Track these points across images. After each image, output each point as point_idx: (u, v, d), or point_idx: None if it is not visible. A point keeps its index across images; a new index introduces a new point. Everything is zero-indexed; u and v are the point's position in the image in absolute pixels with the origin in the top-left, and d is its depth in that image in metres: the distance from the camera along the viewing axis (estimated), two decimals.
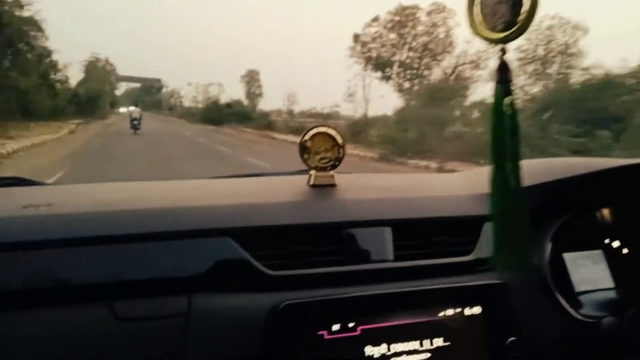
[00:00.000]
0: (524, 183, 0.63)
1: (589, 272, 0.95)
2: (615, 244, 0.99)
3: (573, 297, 0.89)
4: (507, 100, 0.62)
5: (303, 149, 0.90)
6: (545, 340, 0.83)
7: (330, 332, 0.70)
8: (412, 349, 0.73)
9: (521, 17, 0.59)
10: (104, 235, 0.70)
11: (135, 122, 22.33)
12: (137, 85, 79.57)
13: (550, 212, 0.94)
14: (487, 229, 0.84)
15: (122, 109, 52.57)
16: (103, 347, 0.65)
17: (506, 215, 0.66)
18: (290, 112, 36.15)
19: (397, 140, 14.51)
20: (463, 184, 1.07)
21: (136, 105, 26.50)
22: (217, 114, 37.94)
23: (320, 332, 0.70)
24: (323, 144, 0.91)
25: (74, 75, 38.41)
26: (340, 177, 0.94)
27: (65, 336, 0.64)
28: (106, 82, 50.87)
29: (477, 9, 0.63)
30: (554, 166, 1.11)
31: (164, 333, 0.67)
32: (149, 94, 76.71)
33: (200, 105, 51.57)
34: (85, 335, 0.65)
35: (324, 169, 0.92)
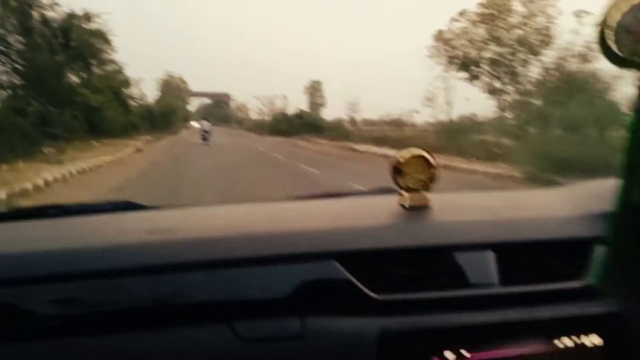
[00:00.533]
0: None
1: None
2: None
3: None
4: None
5: (396, 170, 0.91)
6: None
7: (443, 359, 0.70)
8: None
9: None
10: (222, 259, 0.76)
11: (205, 134, 25.09)
12: (207, 101, 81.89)
13: None
14: (599, 251, 0.80)
15: (194, 123, 53.94)
16: None
17: (624, 236, 0.64)
18: (352, 121, 36.59)
19: (548, 152, 10.21)
20: (566, 202, 1.04)
21: (205, 119, 28.65)
22: (286, 126, 38.56)
23: (433, 359, 0.70)
24: (416, 165, 0.92)
25: (148, 92, 39.15)
26: (434, 197, 0.95)
27: (187, 354, 0.70)
28: (179, 98, 52.88)
29: (610, 31, 0.60)
30: None
31: (282, 355, 0.71)
32: (219, 108, 78.52)
33: (266, 118, 52.54)
34: (206, 354, 0.70)
35: (416, 190, 0.93)
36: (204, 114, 58.35)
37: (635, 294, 0.70)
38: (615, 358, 0.74)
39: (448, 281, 0.79)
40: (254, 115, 62.51)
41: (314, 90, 50.22)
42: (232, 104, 76.51)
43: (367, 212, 1.00)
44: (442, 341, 0.71)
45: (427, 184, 0.93)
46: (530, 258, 0.83)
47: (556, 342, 0.73)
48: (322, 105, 49.83)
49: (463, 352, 0.71)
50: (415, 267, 0.79)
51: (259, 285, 0.75)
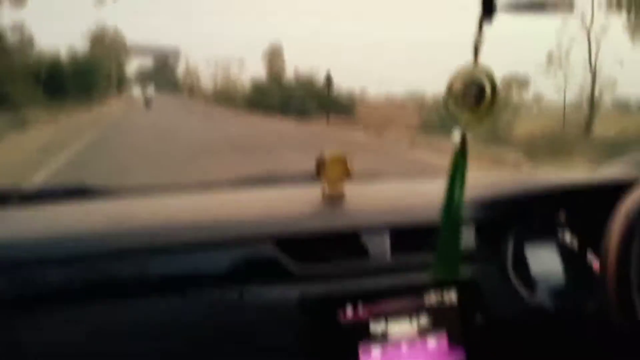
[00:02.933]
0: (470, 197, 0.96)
1: (545, 262, 1.19)
2: (567, 237, 1.23)
3: (530, 284, 1.14)
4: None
5: (319, 164, 1.18)
6: (508, 318, 1.11)
7: (345, 314, 0.97)
8: (404, 325, 1.00)
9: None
10: (175, 243, 1.00)
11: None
12: (149, 63, 62.17)
13: (512, 218, 1.21)
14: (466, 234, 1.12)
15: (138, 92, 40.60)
16: (180, 325, 0.94)
17: (449, 226, 0.98)
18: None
19: None
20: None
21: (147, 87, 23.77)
22: (279, 99, 24.49)
23: (337, 313, 0.97)
24: (336, 164, 1.18)
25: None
26: (349, 188, 1.21)
27: (148, 316, 0.93)
28: (112, 55, 37.53)
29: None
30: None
31: (222, 317, 0.96)
32: (163, 72, 62.97)
33: (219, 86, 41.31)
34: (166, 316, 0.94)
35: (335, 182, 1.19)
36: (143, 78, 48.02)
37: (452, 273, 1.02)
38: (466, 307, 1.03)
39: (353, 256, 1.08)
40: (204, 83, 49.49)
41: (274, 56, 39.10)
42: (181, 67, 59.91)
43: (293, 201, 1.27)
44: (344, 300, 0.98)
45: (343, 177, 1.20)
46: (414, 237, 1.12)
47: (425, 298, 1.02)
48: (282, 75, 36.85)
49: (360, 307, 0.97)
50: (330, 247, 1.07)
51: (205, 265, 0.99)
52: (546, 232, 1.23)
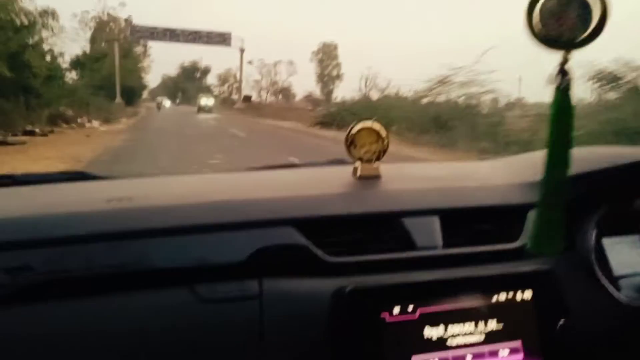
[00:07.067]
0: (572, 172, 0.72)
1: (627, 256, 0.96)
2: None
3: (614, 281, 0.92)
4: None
5: (350, 141, 0.98)
6: (593, 322, 0.87)
7: (392, 315, 0.76)
8: (467, 331, 0.79)
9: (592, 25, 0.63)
10: (185, 226, 0.81)
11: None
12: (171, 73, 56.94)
13: (595, 200, 0.97)
14: (531, 216, 0.88)
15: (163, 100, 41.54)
16: (187, 326, 0.74)
17: (552, 203, 0.75)
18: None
19: None
20: (506, 172, 1.12)
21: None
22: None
23: (382, 315, 0.76)
24: (367, 137, 0.98)
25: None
26: (384, 168, 1.01)
27: (154, 316, 0.74)
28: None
29: (537, 14, 0.67)
30: (600, 154, 1.13)
31: (242, 314, 0.76)
32: (190, 80, 54.78)
33: (268, 95, 36.93)
34: (171, 316, 0.74)
35: (368, 160, 0.99)
36: (170, 89, 43.71)
37: (561, 253, 0.78)
38: (544, 309, 0.81)
39: (396, 244, 0.86)
40: (247, 90, 43.33)
41: (327, 56, 34.77)
42: (217, 73, 51.11)
43: (322, 182, 1.06)
44: (390, 298, 0.77)
45: (379, 155, 0.99)
46: (471, 223, 0.91)
47: (493, 296, 0.80)
48: (337, 77, 33.94)
49: (410, 308, 0.77)
50: (366, 232, 0.86)
51: (219, 250, 0.79)
52: (631, 218, 1.00)
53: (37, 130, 15.31)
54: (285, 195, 0.93)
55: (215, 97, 40.97)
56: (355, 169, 1.01)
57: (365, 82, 29.08)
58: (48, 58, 19.80)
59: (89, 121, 19.96)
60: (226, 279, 0.78)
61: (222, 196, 0.92)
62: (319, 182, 1.07)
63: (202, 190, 1.00)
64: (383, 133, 0.98)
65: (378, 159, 1.00)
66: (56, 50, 21.26)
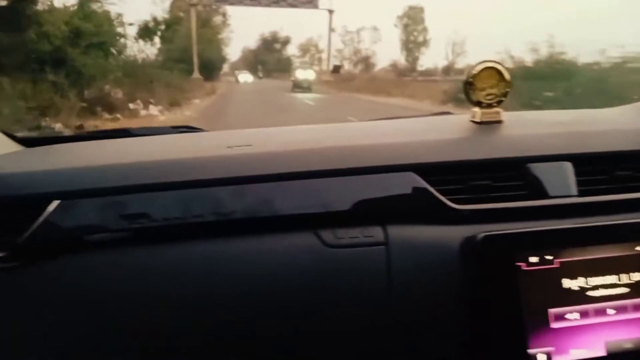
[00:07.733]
0: None
1: None
2: None
3: None
4: None
5: (468, 85, 0.92)
6: None
7: (529, 264, 0.72)
8: (610, 282, 0.73)
9: None
10: (308, 171, 0.80)
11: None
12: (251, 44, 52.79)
13: None
14: None
15: (240, 75, 40.06)
16: (312, 271, 0.74)
17: None
18: (447, 70, 25.64)
19: None
20: (636, 117, 1.03)
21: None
22: None
23: (518, 264, 0.72)
24: (489, 80, 0.91)
25: None
26: (506, 114, 0.95)
27: (277, 260, 0.74)
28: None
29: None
30: None
31: (368, 260, 0.75)
32: (270, 52, 51.40)
33: (355, 67, 34.07)
34: (296, 260, 0.74)
35: (489, 105, 0.93)
36: (247, 63, 42.27)
37: None
38: None
39: (526, 192, 0.80)
40: (331, 61, 38.41)
41: (413, 20, 31.94)
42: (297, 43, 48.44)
43: (441, 128, 1.01)
44: (527, 246, 0.72)
45: (500, 99, 0.92)
46: (606, 169, 0.83)
47: (637, 246, 0.73)
48: (422, 44, 31.31)
49: (548, 256, 0.72)
50: (493, 179, 0.81)
51: (342, 196, 0.78)
52: None
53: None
54: (404, 142, 0.89)
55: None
56: (474, 113, 0.95)
57: (452, 48, 27.27)
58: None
59: (145, 107, 13.39)
60: (350, 225, 0.77)
61: (339, 142, 0.90)
62: (438, 129, 1.02)
63: (319, 137, 0.99)
64: (506, 75, 0.91)
65: (499, 102, 0.93)
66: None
